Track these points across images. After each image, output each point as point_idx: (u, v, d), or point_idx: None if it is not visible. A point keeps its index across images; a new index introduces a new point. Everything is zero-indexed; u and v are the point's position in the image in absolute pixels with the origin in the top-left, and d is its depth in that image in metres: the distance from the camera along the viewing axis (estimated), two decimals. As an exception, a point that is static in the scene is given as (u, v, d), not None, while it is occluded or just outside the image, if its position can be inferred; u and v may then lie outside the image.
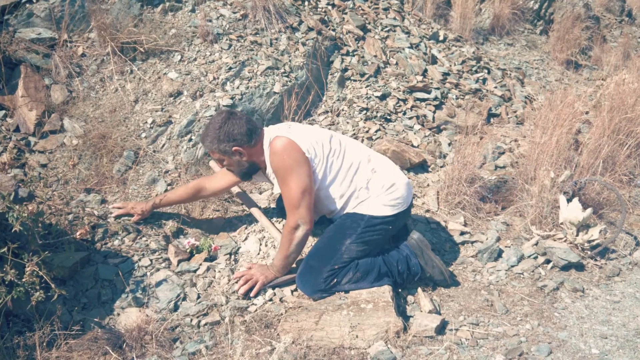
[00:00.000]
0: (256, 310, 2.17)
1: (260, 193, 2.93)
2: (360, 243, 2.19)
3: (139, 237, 2.52)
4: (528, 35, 5.92)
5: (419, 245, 2.29)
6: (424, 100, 3.87)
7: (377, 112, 3.59)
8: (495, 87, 4.41)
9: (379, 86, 3.79)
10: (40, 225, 2.06)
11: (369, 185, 2.20)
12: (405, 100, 3.80)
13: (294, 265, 2.38)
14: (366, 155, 2.26)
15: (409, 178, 2.79)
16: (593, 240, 2.64)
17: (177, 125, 2.99)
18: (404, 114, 3.71)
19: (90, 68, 3.18)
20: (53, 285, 1.86)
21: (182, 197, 2.54)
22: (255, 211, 2.60)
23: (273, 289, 2.27)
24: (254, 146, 2.20)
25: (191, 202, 2.64)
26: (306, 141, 2.11)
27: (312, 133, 2.18)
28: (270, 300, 2.22)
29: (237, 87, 3.20)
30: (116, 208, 2.51)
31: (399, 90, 3.85)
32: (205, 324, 2.10)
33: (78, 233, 2.31)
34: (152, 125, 2.98)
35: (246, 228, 2.66)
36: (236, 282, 2.26)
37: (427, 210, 2.93)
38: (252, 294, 2.21)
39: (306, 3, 4.09)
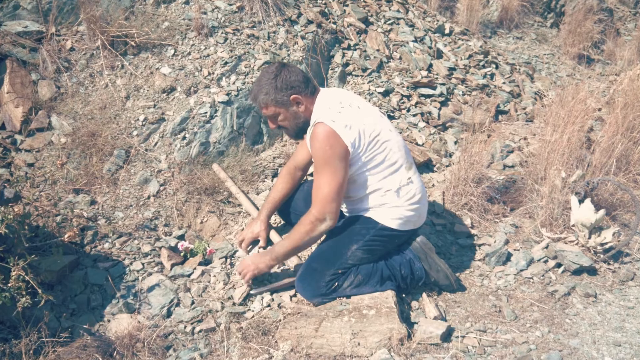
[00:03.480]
0: (253, 316, 2.17)
1: (258, 194, 2.93)
2: (365, 250, 2.20)
3: (130, 240, 2.52)
4: (538, 28, 5.92)
5: (423, 249, 2.29)
6: (428, 96, 3.88)
7: (380, 108, 3.60)
8: (504, 83, 4.41)
9: (381, 82, 3.79)
10: (26, 227, 2.06)
11: (400, 192, 2.19)
12: (409, 97, 3.80)
13: (291, 269, 2.38)
14: (410, 161, 2.26)
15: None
16: (606, 243, 2.64)
17: (170, 123, 2.99)
18: (408, 110, 3.71)
19: (79, 63, 3.18)
20: (40, 291, 1.86)
21: (286, 188, 2.50)
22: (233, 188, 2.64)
23: (271, 293, 2.28)
24: (311, 96, 2.17)
25: (295, 188, 2.56)
26: (353, 133, 2.05)
27: (364, 119, 2.11)
28: (268, 306, 2.23)
29: (233, 83, 3.20)
30: (244, 248, 2.50)
31: (403, 86, 3.85)
32: (200, 331, 2.10)
33: (66, 235, 2.31)
34: (144, 122, 2.98)
35: (243, 230, 2.66)
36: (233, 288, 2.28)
37: (432, 212, 2.93)
38: (244, 280, 2.22)
39: (305, -5, 4.09)
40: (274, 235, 2.52)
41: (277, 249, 2.20)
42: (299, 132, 2.25)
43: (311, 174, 2.76)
